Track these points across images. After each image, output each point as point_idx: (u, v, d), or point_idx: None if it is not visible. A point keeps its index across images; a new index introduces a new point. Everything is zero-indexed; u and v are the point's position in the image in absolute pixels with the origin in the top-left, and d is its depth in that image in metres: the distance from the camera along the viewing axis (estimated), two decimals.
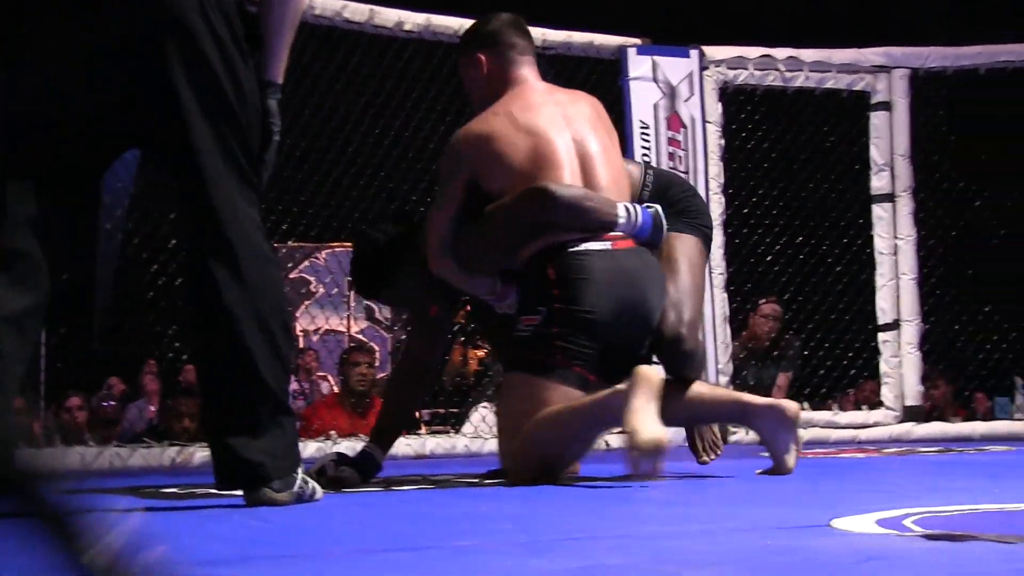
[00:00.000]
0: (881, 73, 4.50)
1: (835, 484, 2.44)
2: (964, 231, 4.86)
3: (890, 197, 4.48)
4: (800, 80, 4.51)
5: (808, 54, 4.50)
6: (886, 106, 4.48)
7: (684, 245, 2.44)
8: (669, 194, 2.51)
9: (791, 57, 4.47)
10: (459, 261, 2.26)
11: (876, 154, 4.49)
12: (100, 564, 0.70)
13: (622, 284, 2.18)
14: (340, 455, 2.33)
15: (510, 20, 2.41)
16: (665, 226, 2.30)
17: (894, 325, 4.49)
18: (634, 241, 2.24)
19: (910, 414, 4.45)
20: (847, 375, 5.08)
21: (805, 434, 4.31)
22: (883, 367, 4.54)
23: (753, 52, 4.48)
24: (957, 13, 6.26)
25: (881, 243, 4.50)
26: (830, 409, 4.87)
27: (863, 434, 4.41)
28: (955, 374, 5.14)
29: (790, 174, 4.51)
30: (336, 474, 2.18)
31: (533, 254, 2.21)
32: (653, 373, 2.02)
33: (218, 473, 1.71)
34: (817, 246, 4.60)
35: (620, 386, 1.98)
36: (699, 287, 2.52)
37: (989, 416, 5.01)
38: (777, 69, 4.43)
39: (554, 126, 2.27)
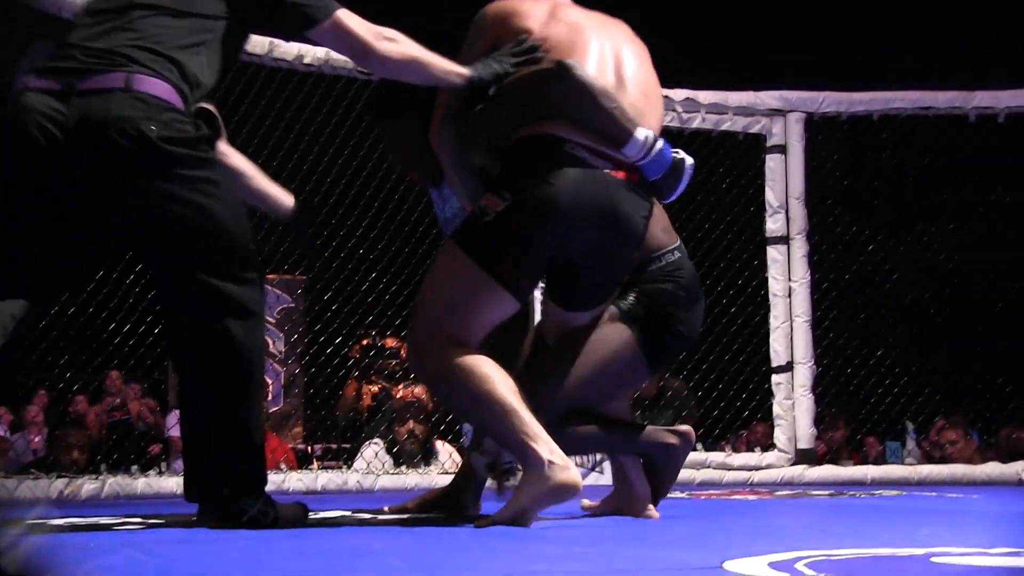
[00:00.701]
0: (777, 116, 4.53)
1: (727, 526, 2.41)
2: (857, 274, 4.90)
3: (784, 239, 4.49)
4: (697, 122, 4.50)
5: (705, 96, 4.50)
6: (781, 149, 4.51)
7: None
8: None
9: (688, 99, 4.45)
10: (458, 139, 2.10)
11: (771, 196, 4.50)
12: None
13: (605, 211, 1.95)
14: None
15: None
16: (684, 181, 2.03)
17: (787, 367, 4.47)
18: (637, 176, 1.98)
19: (803, 456, 4.41)
20: (740, 417, 5.05)
21: (698, 475, 4.29)
22: (776, 409, 4.50)
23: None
24: (853, 58, 6.46)
25: (775, 285, 4.49)
26: (723, 450, 4.81)
27: (756, 476, 4.35)
28: (849, 418, 5.16)
29: (686, 214, 4.47)
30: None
31: (526, 137, 1.99)
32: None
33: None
34: (712, 287, 4.55)
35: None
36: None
37: (880, 460, 5.02)
38: (675, 110, 4.40)
39: (590, 25, 2.10)
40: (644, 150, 1.94)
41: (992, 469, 4.44)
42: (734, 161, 4.66)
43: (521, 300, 2.00)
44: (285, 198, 2.31)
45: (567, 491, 1.80)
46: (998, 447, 5.05)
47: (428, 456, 4.34)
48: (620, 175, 1.96)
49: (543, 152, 1.95)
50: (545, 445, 1.82)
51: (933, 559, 1.36)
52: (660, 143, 1.97)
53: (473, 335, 1.94)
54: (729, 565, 1.27)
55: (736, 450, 4.93)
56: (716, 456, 4.50)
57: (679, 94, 4.44)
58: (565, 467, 1.79)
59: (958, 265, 4.94)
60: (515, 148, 2.00)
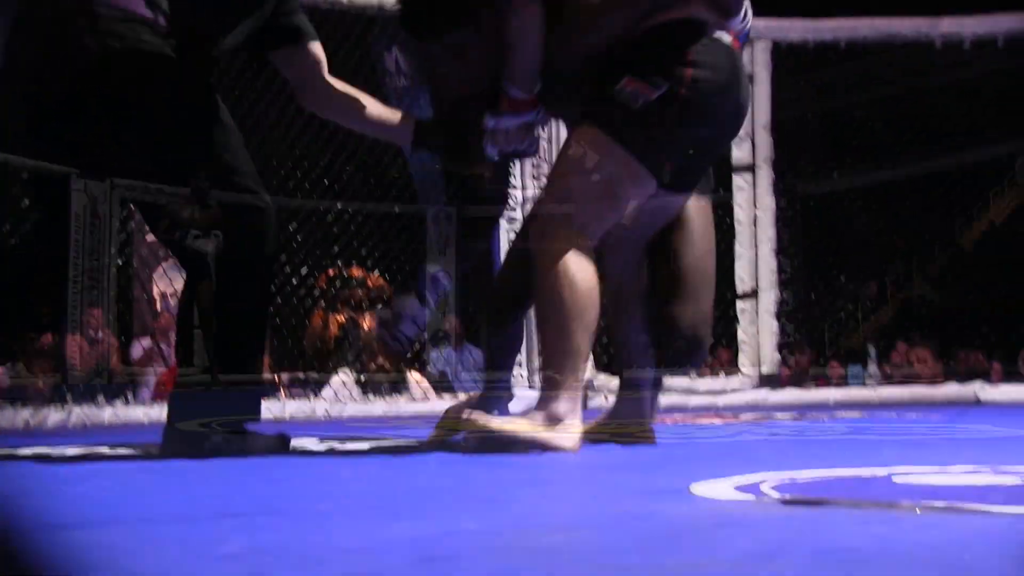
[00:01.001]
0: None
1: (694, 450, 2.44)
2: (823, 202, 4.94)
3: (751, 168, 4.49)
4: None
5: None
6: (748, 77, 4.46)
7: (700, 206, 2.14)
8: None
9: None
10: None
11: None
12: None
13: (744, 87, 1.97)
14: None
15: None
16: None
17: (752, 294, 4.52)
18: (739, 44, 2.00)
19: (767, 381, 4.50)
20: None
21: (663, 399, 4.33)
22: (740, 335, 4.57)
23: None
24: None
25: (740, 213, 4.51)
26: (688, 376, 4.87)
27: (721, 400, 4.42)
28: (813, 342, 5.26)
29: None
30: None
31: (664, 23, 1.89)
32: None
33: None
34: None
35: None
36: (713, 263, 2.23)
37: (843, 383, 5.14)
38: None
39: None
40: (746, 23, 1.98)
41: (950, 390, 4.56)
42: None
43: (660, 186, 1.92)
44: (404, 127, 2.10)
45: (560, 450, 1.87)
46: (956, 368, 5.20)
47: (398, 386, 4.36)
48: (737, 45, 1.98)
49: (691, 35, 1.88)
50: (573, 403, 1.87)
51: (895, 479, 1.39)
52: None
53: (602, 228, 1.92)
54: (696, 488, 1.30)
55: (701, 375, 5.00)
56: (681, 381, 4.56)
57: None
58: (572, 434, 1.87)
59: (922, 194, 5.01)
60: (656, 32, 1.89)
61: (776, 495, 1.25)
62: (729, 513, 1.16)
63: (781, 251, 4.57)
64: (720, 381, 4.60)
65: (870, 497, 1.27)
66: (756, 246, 4.51)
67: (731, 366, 4.78)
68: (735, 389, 4.48)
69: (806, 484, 1.40)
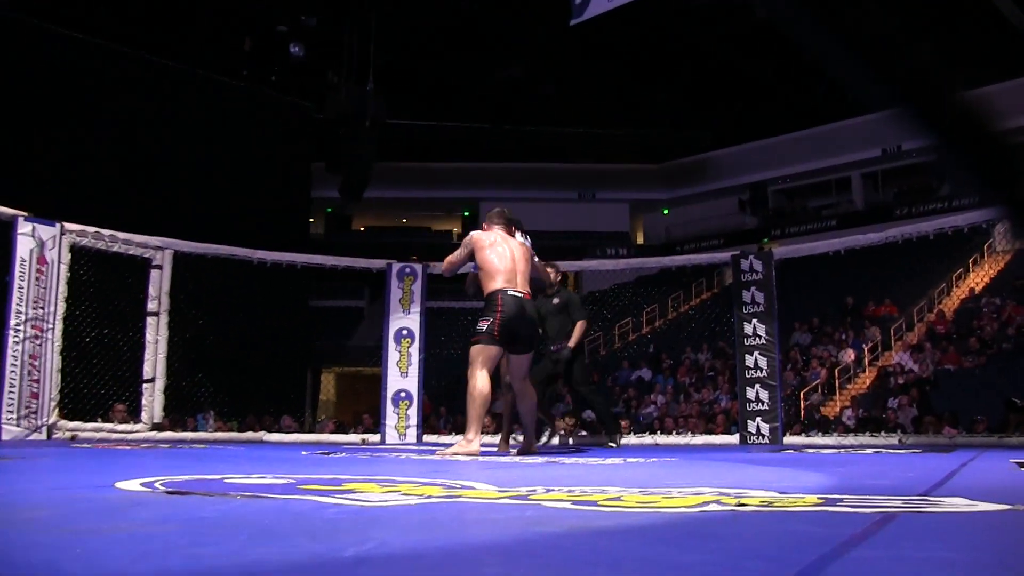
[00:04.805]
0: (159, 250, 8.18)
1: (117, 463, 3.17)
2: (192, 335, 8.87)
3: (156, 314, 8.17)
4: (116, 247, 7.88)
5: (105, 232, 7.87)
6: (160, 267, 8.17)
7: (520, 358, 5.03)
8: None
9: (97, 232, 7.79)
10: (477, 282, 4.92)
11: (152, 291, 8.14)
12: None
13: (524, 313, 4.77)
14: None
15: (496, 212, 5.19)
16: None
17: (152, 380, 8.19)
18: (530, 295, 4.90)
19: (156, 427, 8.19)
20: (108, 401, 8.54)
21: (97, 435, 7.73)
22: (143, 401, 8.17)
23: (89, 228, 7.68)
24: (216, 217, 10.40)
25: (150, 337, 8.15)
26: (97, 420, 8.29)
27: (130, 437, 7.98)
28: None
29: (107, 302, 7.83)
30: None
31: (492, 291, 4.77)
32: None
33: None
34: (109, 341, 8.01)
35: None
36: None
37: (196, 429, 9.16)
38: (103, 239, 7.72)
39: (502, 239, 4.97)
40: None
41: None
42: (135, 274, 8.12)
43: (503, 349, 4.78)
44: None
45: (469, 455, 4.31)
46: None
47: None
48: (527, 296, 4.86)
49: (501, 297, 4.73)
50: (473, 431, 4.53)
51: (226, 481, 2.18)
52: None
53: (492, 365, 4.74)
54: (118, 484, 1.88)
55: (110, 420, 8.43)
56: (105, 424, 7.99)
57: (103, 231, 7.77)
58: (471, 443, 4.50)
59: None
60: (488, 296, 4.75)
61: (164, 488, 1.88)
62: (137, 498, 1.73)
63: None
64: (130, 427, 8.14)
65: (213, 489, 1.92)
66: (156, 356, 8.19)
67: (130, 418, 8.35)
68: (138, 430, 8.09)
69: (183, 481, 2.09)
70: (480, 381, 4.64)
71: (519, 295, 4.78)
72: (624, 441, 7.66)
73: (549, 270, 7.02)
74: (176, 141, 14.51)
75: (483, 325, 4.73)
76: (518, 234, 5.54)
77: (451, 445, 5.20)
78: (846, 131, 22.45)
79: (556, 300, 7.07)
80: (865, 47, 0.83)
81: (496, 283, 4.78)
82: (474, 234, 5.02)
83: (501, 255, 4.87)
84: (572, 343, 6.77)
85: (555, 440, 7.45)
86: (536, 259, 5.30)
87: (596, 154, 27.34)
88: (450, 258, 5.11)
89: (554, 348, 6.85)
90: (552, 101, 22.61)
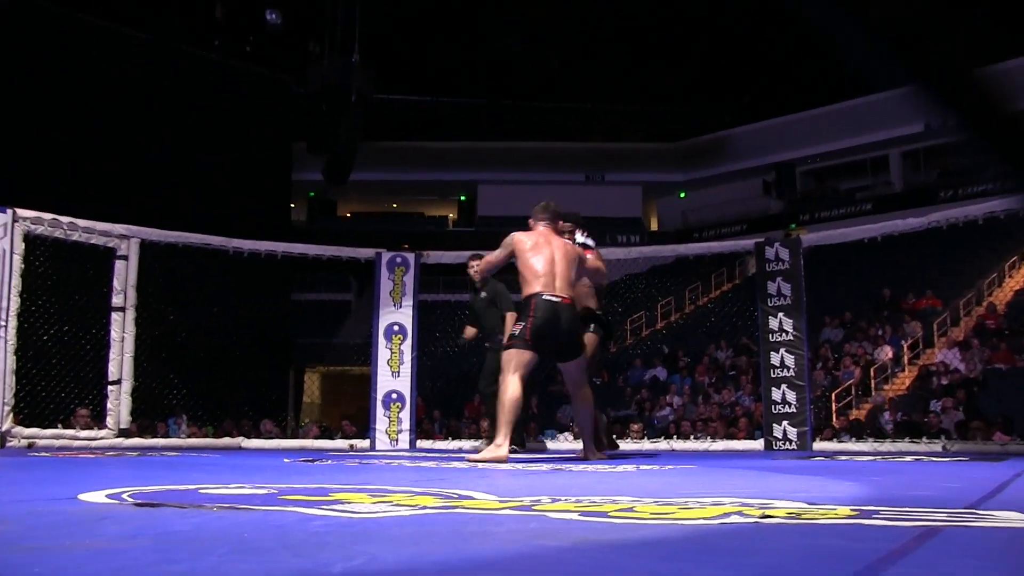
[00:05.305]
0: (125, 239, 8.19)
1: (80, 473, 3.30)
2: (162, 333, 8.89)
3: (122, 309, 8.19)
4: (76, 236, 7.89)
5: (64, 219, 7.88)
6: (125, 258, 8.19)
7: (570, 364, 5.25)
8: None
9: (54, 219, 7.80)
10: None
11: (117, 284, 8.16)
12: None
13: (559, 319, 4.93)
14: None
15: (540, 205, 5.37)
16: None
17: (118, 382, 8.21)
18: (570, 300, 5.02)
19: (122, 433, 8.22)
20: (70, 405, 8.57)
21: (56, 443, 7.76)
22: (109, 404, 8.20)
23: (46, 215, 7.69)
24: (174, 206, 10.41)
25: (115, 335, 8.17)
26: (57, 427, 8.32)
27: (94, 444, 8.00)
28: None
29: (67, 297, 7.85)
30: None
31: (527, 295, 4.99)
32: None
33: None
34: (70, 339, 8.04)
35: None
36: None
37: (167, 435, 9.20)
38: (61, 227, 7.74)
39: (544, 239, 5.13)
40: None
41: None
42: (97, 262, 8.14)
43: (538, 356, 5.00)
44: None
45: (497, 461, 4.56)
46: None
47: None
48: (567, 300, 5.01)
49: (532, 299, 4.95)
50: (503, 436, 4.73)
51: (201, 491, 2.24)
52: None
53: (526, 371, 4.91)
54: (82, 496, 1.94)
55: (72, 426, 8.47)
56: (66, 431, 8.02)
57: (62, 218, 7.78)
58: (500, 448, 4.70)
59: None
60: (524, 300, 5.01)
61: (132, 500, 1.92)
62: (104, 510, 1.75)
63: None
64: (95, 432, 8.17)
65: (187, 501, 1.95)
66: (123, 354, 8.22)
67: (94, 424, 8.38)
68: (103, 437, 8.12)
69: (150, 493, 2.12)
70: (511, 386, 4.86)
71: (555, 300, 4.98)
72: (558, 445, 8.11)
73: (474, 263, 7.25)
74: (142, 119, 14.52)
75: (516, 329, 5.01)
76: (579, 234, 5.74)
77: (476, 451, 5.59)
78: (884, 104, 22.31)
79: (484, 294, 7.30)
80: (879, 23, 0.87)
81: (533, 287, 5.02)
82: (515, 235, 5.25)
83: (541, 258, 5.08)
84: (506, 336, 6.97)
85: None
86: (590, 257, 5.49)
87: (605, 132, 27.36)
88: (489, 258, 5.48)
89: (486, 345, 7.20)
90: (556, 74, 22.60)
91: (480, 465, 4.39)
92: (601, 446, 5.94)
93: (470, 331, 7.61)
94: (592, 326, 6.00)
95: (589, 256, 5.63)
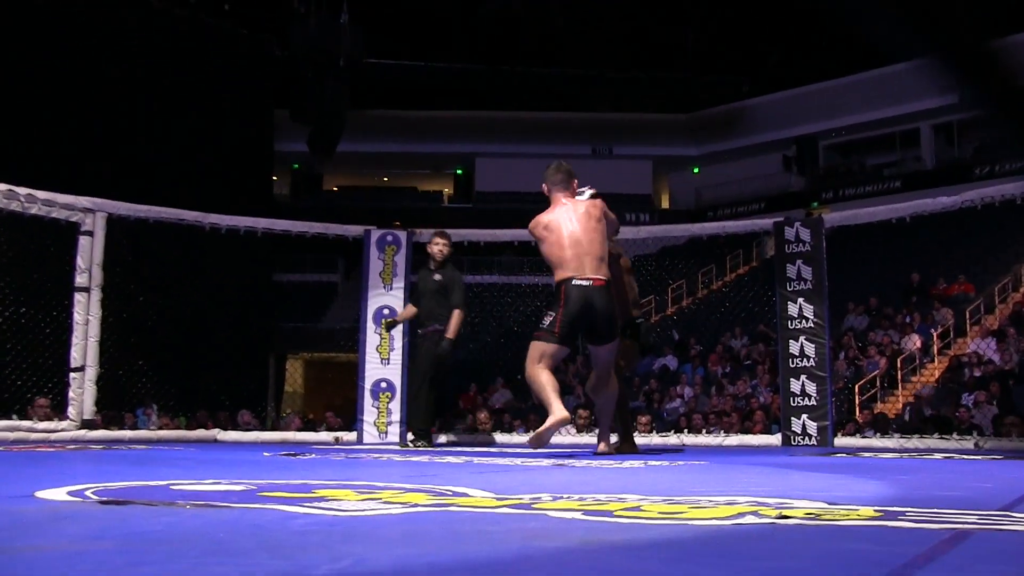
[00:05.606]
0: (90, 213, 8.17)
1: (38, 468, 3.33)
2: (131, 315, 8.90)
3: (87, 289, 8.18)
4: (34, 210, 7.88)
5: (21, 190, 7.86)
6: (90, 233, 8.17)
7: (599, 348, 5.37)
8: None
9: (10, 190, 7.78)
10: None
11: (81, 262, 8.15)
12: None
13: (592, 304, 4.96)
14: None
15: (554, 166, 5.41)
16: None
17: (82, 368, 8.21)
18: (604, 282, 5.01)
19: (86, 424, 8.23)
20: (27, 394, 8.56)
21: (10, 436, 7.77)
22: (71, 393, 8.21)
23: (1, 186, 7.66)
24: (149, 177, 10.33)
25: (79, 317, 8.17)
26: (28, 418, 8.33)
27: (53, 436, 8.02)
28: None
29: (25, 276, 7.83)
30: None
31: (557, 281, 5.01)
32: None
33: None
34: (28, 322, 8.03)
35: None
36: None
37: (136, 427, 9.23)
38: (18, 199, 7.72)
39: (565, 211, 5.19)
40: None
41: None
42: (55, 238, 8.12)
43: (567, 347, 5.08)
44: None
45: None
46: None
47: None
48: (598, 282, 5.01)
49: (561, 286, 4.99)
50: (558, 404, 4.78)
51: (172, 487, 2.25)
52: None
53: (552, 362, 4.99)
54: (40, 494, 1.93)
55: (30, 417, 8.48)
56: (22, 423, 8.03)
57: (2, 187, 7.76)
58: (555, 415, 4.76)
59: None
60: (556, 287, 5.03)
61: (96, 498, 1.88)
62: (64, 510, 1.72)
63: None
64: (53, 424, 8.18)
65: (157, 498, 1.93)
66: (87, 338, 8.22)
67: (54, 415, 8.39)
68: (64, 429, 8.13)
69: (115, 490, 2.09)
70: (540, 375, 4.94)
71: (586, 283, 4.98)
72: (507, 440, 8.40)
73: (440, 240, 7.28)
74: (109, 83, 14.43)
75: (545, 321, 5.02)
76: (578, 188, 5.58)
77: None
78: (914, 74, 22.18)
79: (438, 277, 7.26)
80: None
81: (561, 273, 5.04)
82: (532, 223, 5.28)
83: (559, 240, 5.09)
84: (451, 334, 7.06)
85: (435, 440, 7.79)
86: (609, 217, 5.38)
87: (613, 101, 27.26)
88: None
89: (421, 331, 7.17)
90: (560, 37, 22.48)
91: (545, 433, 4.78)
92: (629, 441, 6.04)
93: (410, 310, 7.56)
94: (628, 331, 6.04)
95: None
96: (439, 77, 25.01)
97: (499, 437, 9.18)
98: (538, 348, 4.98)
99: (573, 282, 4.98)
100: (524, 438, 8.25)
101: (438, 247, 7.36)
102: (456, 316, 7.08)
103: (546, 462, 4.38)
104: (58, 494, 2.02)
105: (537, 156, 25.77)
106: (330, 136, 15.73)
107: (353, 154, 24.67)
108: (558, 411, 4.77)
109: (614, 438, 6.04)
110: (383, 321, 7.79)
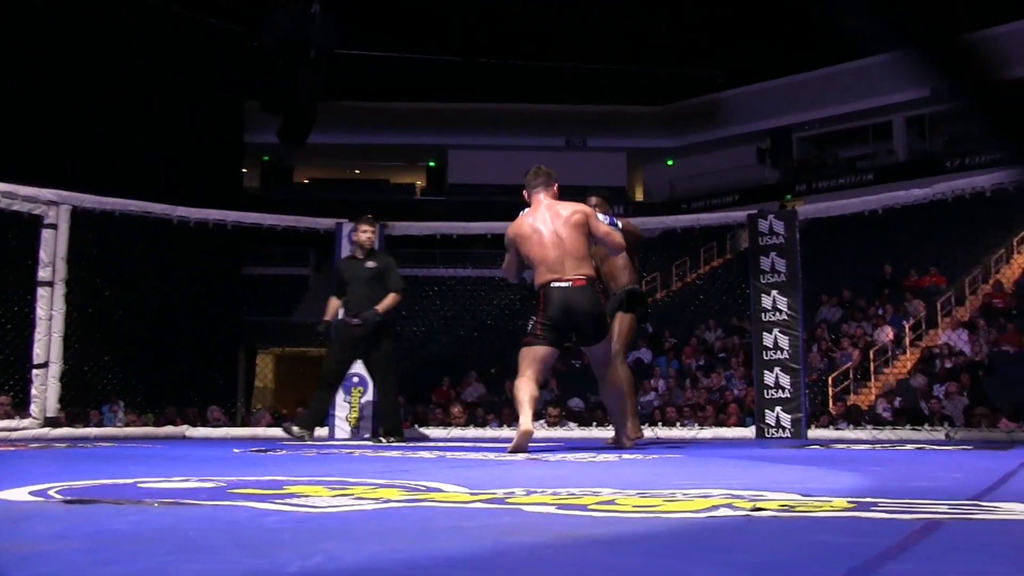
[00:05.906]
0: (53, 206, 8.07)
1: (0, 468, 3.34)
2: (96, 310, 8.81)
3: (50, 284, 8.09)
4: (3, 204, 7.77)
5: (2, 186, 7.78)
6: (54, 226, 8.07)
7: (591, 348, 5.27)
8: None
9: None
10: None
11: (44, 256, 8.05)
12: None
13: (571, 305, 4.93)
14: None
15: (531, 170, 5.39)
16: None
17: (45, 365, 8.13)
18: (584, 281, 4.99)
19: (49, 422, 8.14)
20: None
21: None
22: (34, 391, 8.12)
23: None
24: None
25: (42, 312, 8.08)
26: None
27: (13, 435, 7.93)
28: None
29: None
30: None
31: (537, 285, 5.01)
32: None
33: None
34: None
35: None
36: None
37: (101, 424, 9.14)
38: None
39: (539, 215, 5.16)
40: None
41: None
42: (17, 232, 8.02)
43: (557, 349, 5.02)
44: None
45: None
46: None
47: None
48: (578, 282, 4.97)
49: (540, 290, 4.99)
50: (526, 417, 4.70)
51: (140, 485, 2.24)
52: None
53: (543, 367, 4.99)
54: (2, 494, 1.90)
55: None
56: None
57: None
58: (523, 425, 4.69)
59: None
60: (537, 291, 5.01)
61: (59, 497, 1.87)
62: (24, 510, 1.70)
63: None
64: (14, 422, 8.09)
65: (124, 496, 1.92)
66: (50, 334, 8.13)
67: (15, 412, 8.29)
68: (26, 427, 8.04)
69: (80, 488, 2.08)
70: (519, 387, 4.93)
71: (564, 286, 5.00)
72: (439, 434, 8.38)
73: (368, 228, 7.29)
74: (75, 72, 14.25)
75: (530, 324, 5.13)
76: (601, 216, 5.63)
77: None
78: (888, 67, 22.29)
79: (371, 264, 7.23)
80: None
81: (540, 276, 5.09)
82: (509, 229, 5.30)
83: (538, 243, 5.11)
84: (382, 309, 7.03)
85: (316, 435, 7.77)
86: (600, 216, 5.41)
87: (587, 93, 27.28)
88: (504, 266, 5.45)
89: (354, 320, 7.08)
90: (535, 29, 22.47)
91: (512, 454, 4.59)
92: (637, 430, 6.10)
93: (334, 304, 7.48)
94: (625, 302, 6.18)
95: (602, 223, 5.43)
96: (412, 68, 24.92)
97: (472, 432, 9.17)
98: (528, 355, 4.99)
99: (552, 285, 4.99)
100: (498, 432, 8.25)
101: (367, 235, 7.31)
102: (392, 298, 7.07)
103: (520, 456, 4.38)
104: (19, 494, 1.99)
105: (511, 148, 25.82)
106: (301, 127, 15.63)
107: (325, 146, 24.54)
108: (523, 423, 4.79)
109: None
110: (317, 329, 7.66)
